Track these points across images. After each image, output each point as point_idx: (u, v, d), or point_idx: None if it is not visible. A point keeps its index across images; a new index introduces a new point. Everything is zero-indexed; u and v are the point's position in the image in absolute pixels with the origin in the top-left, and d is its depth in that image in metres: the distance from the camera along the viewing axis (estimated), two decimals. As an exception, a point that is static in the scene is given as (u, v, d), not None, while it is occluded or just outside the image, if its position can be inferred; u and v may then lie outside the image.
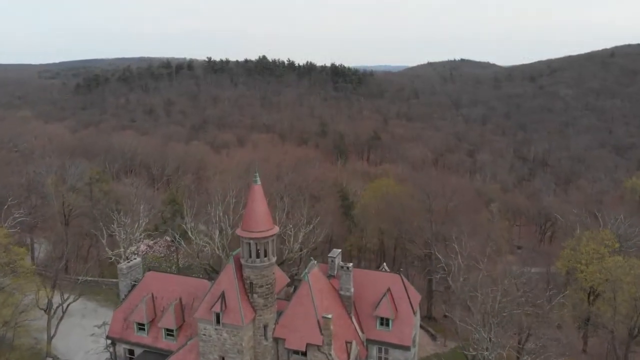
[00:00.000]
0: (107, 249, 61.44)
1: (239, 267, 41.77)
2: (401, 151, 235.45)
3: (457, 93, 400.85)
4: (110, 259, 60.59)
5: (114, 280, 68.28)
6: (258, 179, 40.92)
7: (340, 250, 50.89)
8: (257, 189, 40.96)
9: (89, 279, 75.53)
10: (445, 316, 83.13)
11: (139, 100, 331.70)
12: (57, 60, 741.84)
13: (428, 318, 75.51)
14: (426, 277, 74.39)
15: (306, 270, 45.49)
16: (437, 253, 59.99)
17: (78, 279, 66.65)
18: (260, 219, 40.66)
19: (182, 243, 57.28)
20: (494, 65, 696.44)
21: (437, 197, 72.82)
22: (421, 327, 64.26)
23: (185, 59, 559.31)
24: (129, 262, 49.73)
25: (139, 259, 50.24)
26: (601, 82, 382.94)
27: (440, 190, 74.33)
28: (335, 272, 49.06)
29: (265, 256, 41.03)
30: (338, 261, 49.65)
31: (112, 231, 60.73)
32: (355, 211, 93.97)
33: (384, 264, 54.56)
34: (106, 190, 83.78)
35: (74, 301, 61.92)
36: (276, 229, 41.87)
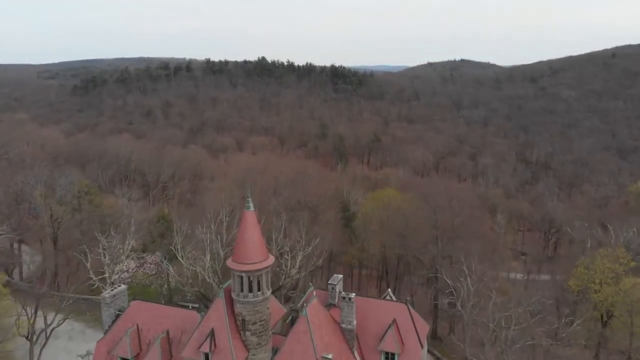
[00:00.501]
0: (91, 273, 57.55)
1: (230, 302, 38.05)
2: (402, 154, 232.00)
3: (457, 94, 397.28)
4: (94, 285, 56.72)
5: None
6: (251, 204, 37.18)
7: (341, 276, 47.15)
8: (250, 216, 37.21)
9: (77, 296, 71.93)
10: (450, 333, 79.65)
11: (137, 102, 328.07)
12: (56, 61, 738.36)
13: (433, 338, 71.82)
14: (431, 293, 70.67)
15: (304, 302, 41.76)
16: (445, 277, 56.25)
17: (66, 297, 63.02)
18: (253, 249, 36.91)
19: (170, 269, 53.40)
20: (494, 65, 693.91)
21: (443, 212, 68.94)
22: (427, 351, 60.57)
23: (185, 59, 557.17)
24: (112, 289, 45.96)
25: (123, 287, 46.47)
26: (603, 83, 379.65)
27: (447, 204, 70.48)
28: (336, 301, 45.35)
29: (259, 290, 37.28)
30: (339, 288, 45.94)
31: (95, 255, 56.77)
32: (356, 223, 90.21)
33: (389, 290, 50.86)
34: (96, 203, 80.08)
35: (58, 326, 58.27)
36: (271, 260, 38.12)
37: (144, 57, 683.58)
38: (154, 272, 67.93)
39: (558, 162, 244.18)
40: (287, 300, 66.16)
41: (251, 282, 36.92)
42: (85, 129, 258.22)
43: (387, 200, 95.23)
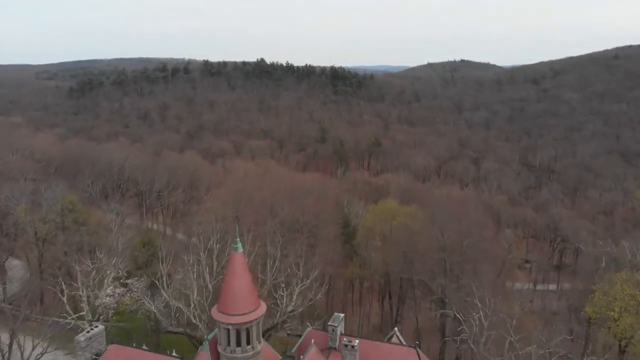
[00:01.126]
0: (67, 307, 52.76)
1: (216, 355, 33.53)
2: (403, 158, 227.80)
3: (458, 96, 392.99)
4: (70, 323, 51.79)
5: (94, 322, 60.12)
6: (239, 245, 32.60)
7: (342, 315, 42.58)
8: (238, 259, 32.64)
9: (62, 321, 67.41)
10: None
11: (133, 104, 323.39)
12: (55, 61, 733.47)
13: (440, 368, 67.36)
14: (438, 320, 66.18)
15: (300, 349, 37.25)
16: (455, 312, 51.67)
17: (47, 323, 58.48)
18: (242, 297, 32.38)
19: (153, 307, 48.53)
20: (494, 66, 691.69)
21: (451, 233, 64.13)
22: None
23: (184, 59, 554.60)
24: (89, 330, 41.37)
25: (101, 327, 41.83)
26: (606, 85, 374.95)
27: (455, 225, 65.67)
28: (337, 344, 40.86)
29: (249, 344, 32.75)
30: (340, 330, 41.42)
31: (71, 290, 51.83)
32: (357, 240, 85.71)
33: (395, 329, 46.37)
34: (80, 222, 75.32)
35: (36, 360, 53.60)
36: (263, 308, 33.59)
37: (143, 58, 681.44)
38: (140, 298, 63.33)
39: (561, 166, 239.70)
40: (281, 328, 61.64)
41: (239, 334, 32.39)
42: (80, 133, 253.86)
43: (389, 214, 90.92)
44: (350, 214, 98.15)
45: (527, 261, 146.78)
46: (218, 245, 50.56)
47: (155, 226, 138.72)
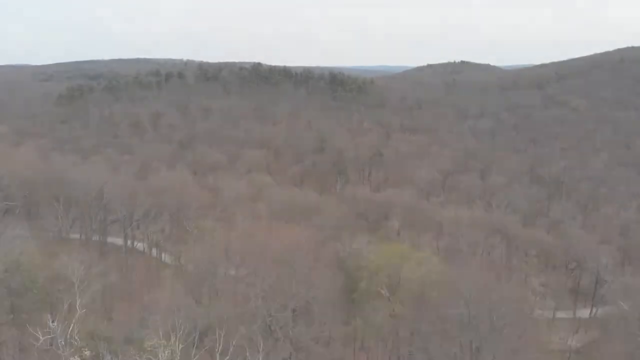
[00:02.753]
0: None
1: None
2: (406, 172, 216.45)
3: (462, 102, 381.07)
4: None
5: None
6: None
7: None
8: None
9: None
10: None
11: (125, 111, 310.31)
12: (53, 62, 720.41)
13: None
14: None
15: None
16: None
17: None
18: None
19: None
20: (495, 67, 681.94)
21: (479, 307, 52.03)
22: None
23: (182, 60, 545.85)
24: None
25: None
26: (613, 91, 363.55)
27: (486, 299, 53.39)
28: None
29: None
30: None
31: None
32: (359, 292, 73.98)
33: None
34: (27, 285, 63.14)
35: None
36: None
37: (141, 59, 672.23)
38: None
39: (572, 178, 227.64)
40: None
41: None
42: (67, 144, 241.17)
43: (398, 258, 79.25)
44: (352, 255, 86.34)
45: (540, 284, 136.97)
46: (181, 345, 38.65)
47: (139, 245, 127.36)
